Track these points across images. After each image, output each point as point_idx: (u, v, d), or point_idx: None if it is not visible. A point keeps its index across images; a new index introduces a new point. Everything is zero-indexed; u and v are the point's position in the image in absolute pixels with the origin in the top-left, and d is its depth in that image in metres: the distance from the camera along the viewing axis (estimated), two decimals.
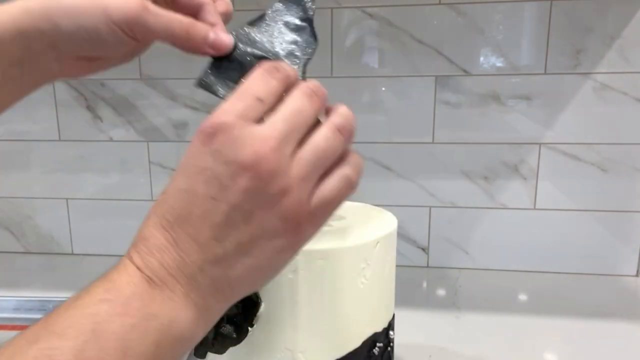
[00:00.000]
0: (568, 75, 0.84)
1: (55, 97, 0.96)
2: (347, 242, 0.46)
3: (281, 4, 0.39)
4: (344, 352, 0.47)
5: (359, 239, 0.47)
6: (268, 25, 0.38)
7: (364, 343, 0.48)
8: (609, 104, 0.84)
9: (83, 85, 0.95)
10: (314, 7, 0.38)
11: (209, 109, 0.92)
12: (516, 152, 0.88)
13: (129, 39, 0.34)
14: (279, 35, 0.37)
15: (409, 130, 0.89)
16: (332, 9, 0.86)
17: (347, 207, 0.56)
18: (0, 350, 0.24)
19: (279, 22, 0.38)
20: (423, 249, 0.94)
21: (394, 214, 0.54)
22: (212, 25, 0.36)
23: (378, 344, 0.50)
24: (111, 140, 0.97)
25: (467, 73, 0.86)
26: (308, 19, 0.38)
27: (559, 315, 0.76)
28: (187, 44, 0.34)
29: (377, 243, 0.47)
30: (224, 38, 0.35)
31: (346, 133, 0.30)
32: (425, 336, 0.71)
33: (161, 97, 0.93)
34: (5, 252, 1.05)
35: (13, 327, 0.76)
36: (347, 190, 0.30)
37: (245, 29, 0.37)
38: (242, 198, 0.27)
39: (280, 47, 0.37)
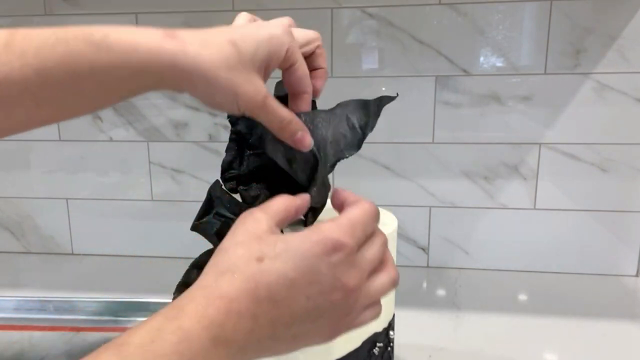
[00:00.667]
0: (568, 75, 0.84)
1: None
2: None
3: (353, 103, 0.46)
4: (344, 352, 0.47)
5: None
6: (334, 112, 0.45)
7: (364, 343, 0.48)
8: (609, 104, 0.84)
9: None
10: (371, 129, 0.46)
11: (208, 110, 0.92)
12: (516, 152, 0.88)
13: (239, 114, 0.39)
14: (338, 124, 0.44)
15: (409, 130, 0.89)
16: (332, 9, 0.86)
17: None
18: None
19: (343, 113, 0.45)
20: (423, 249, 0.94)
21: (394, 214, 0.54)
22: (306, 105, 0.44)
23: (378, 344, 0.50)
24: (111, 140, 0.97)
25: (467, 73, 0.86)
26: (363, 130, 0.45)
27: (559, 315, 0.76)
28: (278, 134, 0.41)
29: None
30: (307, 139, 0.41)
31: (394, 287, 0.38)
32: (425, 336, 0.71)
33: (161, 97, 0.93)
34: (5, 252, 1.05)
35: (13, 327, 0.76)
36: (369, 322, 0.37)
37: (316, 111, 0.44)
38: (325, 307, 0.33)
39: (331, 133, 0.44)
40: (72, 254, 1.03)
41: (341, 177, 0.92)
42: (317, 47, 0.45)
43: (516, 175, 0.89)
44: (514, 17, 0.84)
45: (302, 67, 0.42)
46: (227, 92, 0.37)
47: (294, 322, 0.33)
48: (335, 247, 0.33)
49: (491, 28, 0.84)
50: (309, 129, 0.42)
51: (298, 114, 0.42)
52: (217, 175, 0.47)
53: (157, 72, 0.36)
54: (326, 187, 0.45)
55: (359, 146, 0.46)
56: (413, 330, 0.71)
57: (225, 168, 0.47)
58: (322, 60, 0.46)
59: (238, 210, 0.43)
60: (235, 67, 0.37)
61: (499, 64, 0.85)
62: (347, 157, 0.46)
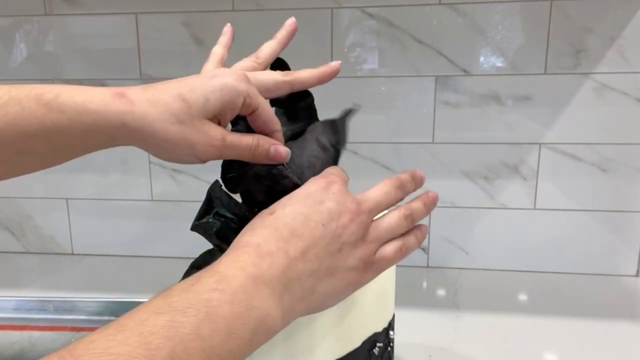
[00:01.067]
0: (568, 75, 0.84)
1: None
2: None
3: (321, 124, 0.47)
4: (344, 352, 0.47)
5: None
6: (304, 138, 0.46)
7: (364, 343, 0.48)
8: (609, 104, 0.84)
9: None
10: (344, 145, 0.47)
11: None
12: (516, 152, 0.88)
13: (202, 163, 0.41)
14: (309, 147, 0.45)
15: (409, 130, 0.89)
16: (332, 9, 0.86)
17: None
18: (126, 316, 0.29)
19: (313, 137, 0.46)
20: (423, 249, 0.94)
21: None
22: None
23: (378, 344, 0.50)
24: None
25: (467, 73, 0.86)
26: (336, 147, 0.46)
27: (559, 315, 0.76)
28: (252, 160, 0.42)
29: None
30: (281, 150, 0.42)
31: (411, 220, 0.43)
32: (425, 336, 0.71)
33: None
34: (5, 252, 1.05)
35: (13, 327, 0.76)
36: (399, 255, 0.41)
37: (287, 143, 0.45)
38: (340, 232, 0.38)
39: (306, 159, 0.44)
40: (72, 254, 1.03)
41: None
42: (292, 85, 0.45)
43: (516, 175, 0.88)
44: (514, 17, 0.84)
45: (265, 111, 0.42)
46: (181, 146, 0.38)
47: (322, 253, 0.37)
48: (330, 181, 0.40)
49: (491, 28, 0.84)
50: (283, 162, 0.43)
51: None
52: (217, 176, 0.47)
53: (107, 132, 0.37)
54: None
55: (335, 163, 0.47)
56: (413, 330, 0.71)
57: (226, 168, 0.47)
58: (311, 82, 0.47)
59: (238, 210, 0.43)
60: (185, 120, 0.37)
61: (499, 64, 0.85)
62: None
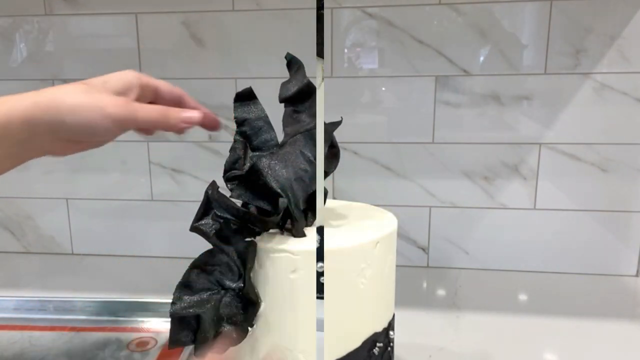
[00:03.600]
0: (568, 75, 0.84)
1: None
2: (347, 242, 0.46)
3: (301, 137, 0.47)
4: (344, 352, 0.47)
5: (359, 239, 0.47)
6: (288, 152, 0.46)
7: (364, 343, 0.48)
8: (609, 104, 0.84)
9: None
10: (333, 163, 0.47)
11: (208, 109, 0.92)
12: (516, 152, 0.88)
13: (117, 130, 0.43)
14: (295, 160, 0.46)
15: (409, 130, 0.89)
16: (332, 9, 0.86)
17: (347, 207, 0.56)
18: None
19: (297, 150, 0.46)
20: (423, 249, 0.94)
21: (394, 214, 0.54)
22: (194, 108, 0.47)
23: (378, 344, 0.50)
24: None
25: (467, 73, 0.86)
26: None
27: (559, 315, 0.76)
28: (167, 125, 0.45)
29: (377, 243, 0.47)
30: (193, 114, 0.45)
31: None
32: (425, 336, 0.71)
33: None
34: (5, 252, 1.05)
35: (13, 327, 0.76)
36: None
37: (270, 154, 0.46)
38: None
39: (292, 171, 0.45)
40: (72, 254, 1.03)
41: (341, 177, 0.92)
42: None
43: (516, 175, 0.89)
44: (514, 17, 0.84)
45: (165, 85, 0.48)
46: (93, 108, 0.42)
47: None
48: None
49: (491, 28, 0.84)
50: (268, 173, 0.45)
51: (256, 162, 0.45)
52: (216, 175, 0.47)
53: (23, 118, 0.40)
54: (301, 219, 0.47)
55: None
56: (413, 330, 0.71)
57: (228, 168, 0.47)
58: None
59: (236, 211, 0.43)
60: (90, 91, 0.42)
61: (499, 64, 0.85)
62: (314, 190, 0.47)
